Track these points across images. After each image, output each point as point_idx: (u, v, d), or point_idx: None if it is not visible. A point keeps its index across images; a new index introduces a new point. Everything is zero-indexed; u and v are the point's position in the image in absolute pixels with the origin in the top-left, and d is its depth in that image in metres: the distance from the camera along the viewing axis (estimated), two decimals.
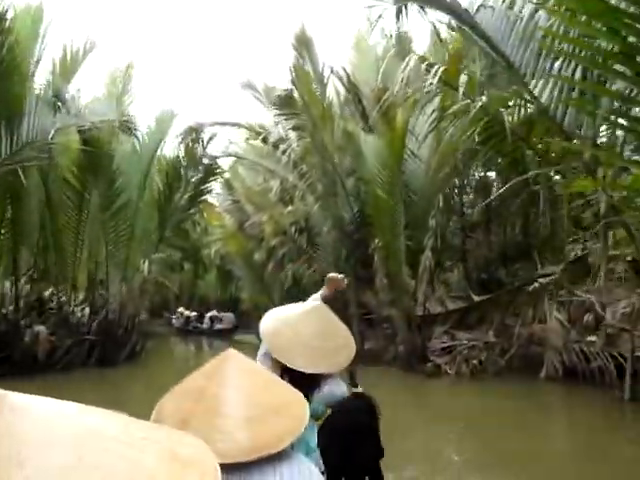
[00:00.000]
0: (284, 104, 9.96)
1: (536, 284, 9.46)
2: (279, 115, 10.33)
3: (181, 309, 18.58)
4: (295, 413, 1.17)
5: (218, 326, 16.29)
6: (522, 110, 7.15)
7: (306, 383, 1.63)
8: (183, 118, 13.34)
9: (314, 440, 1.68)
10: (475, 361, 8.97)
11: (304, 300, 2.22)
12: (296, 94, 10.01)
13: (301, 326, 1.81)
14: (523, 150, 12.17)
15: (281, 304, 2.20)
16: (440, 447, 6.20)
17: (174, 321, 18.13)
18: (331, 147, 10.97)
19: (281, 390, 1.24)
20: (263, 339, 1.84)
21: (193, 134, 10.95)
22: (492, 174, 14.35)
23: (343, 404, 1.83)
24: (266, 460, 1.08)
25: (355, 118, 11.94)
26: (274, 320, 1.87)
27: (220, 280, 22.69)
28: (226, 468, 0.97)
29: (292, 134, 11.28)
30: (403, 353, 9.76)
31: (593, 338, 8.85)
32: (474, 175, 14.26)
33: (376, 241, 10.08)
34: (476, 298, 10.11)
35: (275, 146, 11.00)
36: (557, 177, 10.78)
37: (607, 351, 8.31)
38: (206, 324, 17.02)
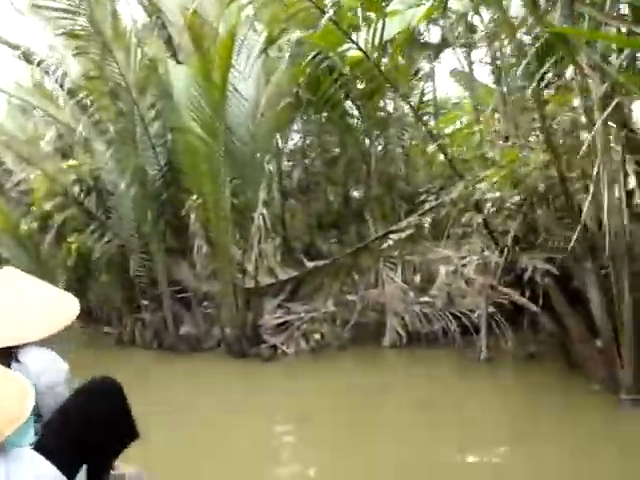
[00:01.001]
0: None
1: (374, 245, 8.64)
2: (44, 8, 7.22)
3: None
4: (14, 400, 1.08)
5: None
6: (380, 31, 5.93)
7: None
8: None
9: (32, 430, 1.58)
10: (317, 336, 7.69)
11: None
12: None
13: None
14: (344, 109, 11.38)
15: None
16: (266, 441, 4.79)
17: None
18: (128, 78, 8.38)
19: None
20: None
21: None
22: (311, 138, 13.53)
23: (86, 389, 1.72)
24: None
25: (160, 48, 9.45)
26: None
27: None
28: None
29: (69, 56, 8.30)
30: (230, 335, 7.98)
31: (431, 298, 8.38)
32: (292, 139, 13.20)
33: (192, 199, 7.99)
34: (311, 265, 8.84)
35: (39, 63, 7.90)
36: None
37: (449, 310, 7.85)
38: None
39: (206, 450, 4.48)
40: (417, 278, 9.04)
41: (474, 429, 4.69)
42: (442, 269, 8.66)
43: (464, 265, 6.61)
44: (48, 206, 10.09)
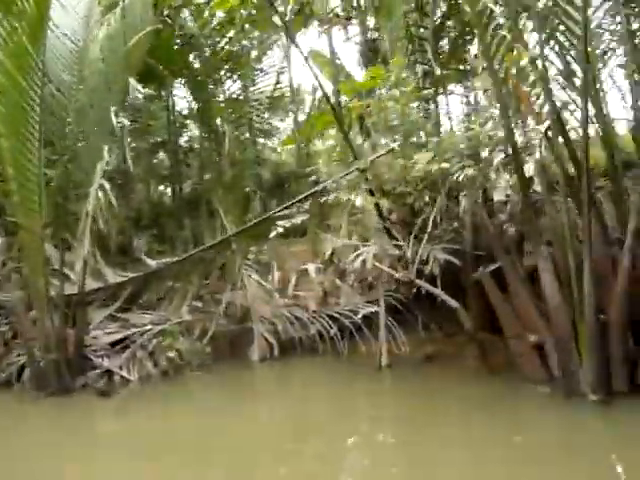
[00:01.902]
0: None
1: (230, 241, 7.22)
2: None
3: None
4: None
5: None
6: None
7: None
8: None
9: None
10: (171, 354, 5.91)
11: None
12: None
13: None
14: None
15: None
16: None
17: None
18: None
19: None
20: None
21: None
22: None
23: None
24: None
25: None
26: None
27: None
28: None
29: None
30: (41, 363, 5.64)
31: (301, 300, 7.34)
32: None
33: None
34: (153, 264, 6.95)
35: None
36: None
37: (324, 312, 6.89)
38: None
39: None
40: (281, 278, 7.98)
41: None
42: (311, 266, 7.73)
43: (356, 257, 5.68)
44: None
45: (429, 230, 4.98)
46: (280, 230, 6.09)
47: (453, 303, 4.87)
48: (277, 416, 4.94)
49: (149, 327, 6.19)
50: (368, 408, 4.89)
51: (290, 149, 10.23)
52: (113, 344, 6.02)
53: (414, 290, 5.83)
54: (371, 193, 5.65)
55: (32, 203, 5.23)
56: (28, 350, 5.54)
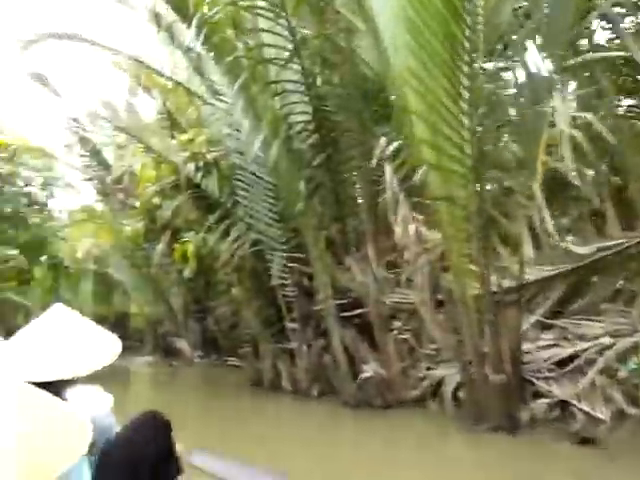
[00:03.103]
0: None
1: None
2: None
3: None
4: (74, 435, 0.97)
5: None
6: None
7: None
8: None
9: (85, 466, 1.53)
10: None
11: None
12: None
13: (34, 335, 1.59)
14: None
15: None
16: None
17: None
18: None
19: (57, 408, 1.01)
20: None
21: None
22: None
23: (137, 425, 1.71)
24: None
25: None
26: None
27: (97, 290, 15.73)
28: None
29: None
30: (476, 384, 4.31)
31: None
32: None
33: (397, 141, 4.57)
34: (585, 251, 4.94)
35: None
36: None
37: None
38: None
39: None
40: None
41: None
42: None
43: None
44: (155, 198, 7.30)
45: None
46: None
47: None
48: None
49: (606, 341, 4.23)
50: None
51: None
52: (559, 363, 4.29)
53: None
54: None
55: (459, 177, 3.96)
56: (462, 366, 4.29)
